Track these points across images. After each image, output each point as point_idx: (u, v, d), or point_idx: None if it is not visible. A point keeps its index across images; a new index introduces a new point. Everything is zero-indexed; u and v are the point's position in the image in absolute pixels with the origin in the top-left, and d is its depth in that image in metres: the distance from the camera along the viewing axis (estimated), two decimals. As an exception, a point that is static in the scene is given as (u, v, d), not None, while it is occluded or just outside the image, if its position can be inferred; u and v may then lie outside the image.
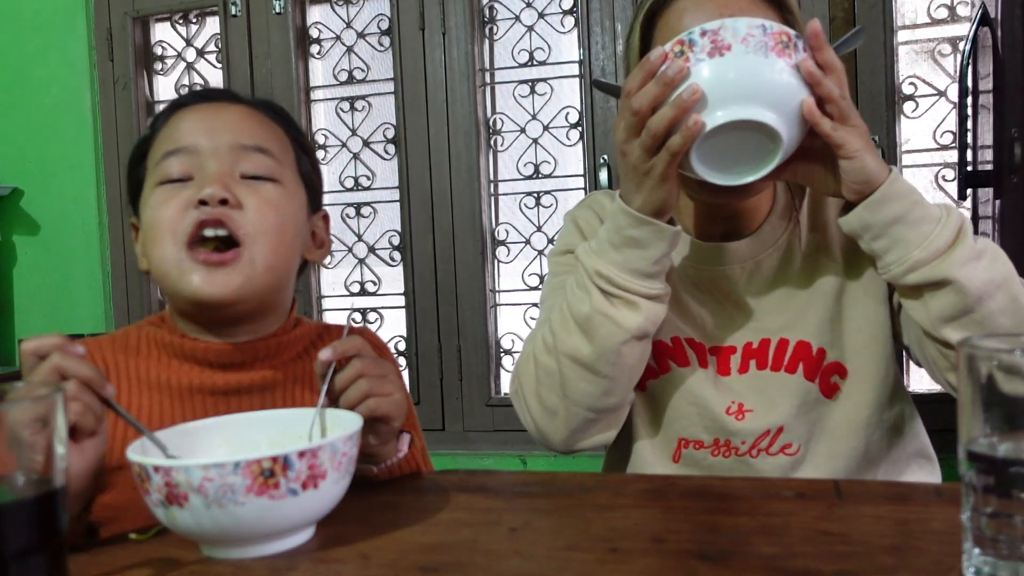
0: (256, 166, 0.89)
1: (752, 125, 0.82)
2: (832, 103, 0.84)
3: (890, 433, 1.02)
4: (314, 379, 0.90)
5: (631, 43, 0.99)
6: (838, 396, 1.00)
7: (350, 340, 0.79)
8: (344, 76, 2.57)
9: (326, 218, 1.02)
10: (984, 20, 1.84)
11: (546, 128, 2.43)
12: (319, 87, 2.60)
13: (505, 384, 2.49)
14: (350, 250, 2.58)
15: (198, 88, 1.05)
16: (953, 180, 2.07)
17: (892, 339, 1.01)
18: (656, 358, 1.02)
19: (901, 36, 2.15)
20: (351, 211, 2.58)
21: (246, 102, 0.94)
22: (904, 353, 1.04)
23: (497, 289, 2.48)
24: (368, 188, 2.56)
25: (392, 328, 2.55)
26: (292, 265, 0.94)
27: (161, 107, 2.68)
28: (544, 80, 2.42)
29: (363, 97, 2.56)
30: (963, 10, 2.13)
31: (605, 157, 2.31)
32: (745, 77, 0.81)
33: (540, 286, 2.47)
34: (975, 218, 2.04)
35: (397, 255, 2.55)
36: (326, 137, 2.59)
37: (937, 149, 2.16)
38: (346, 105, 2.57)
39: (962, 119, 1.87)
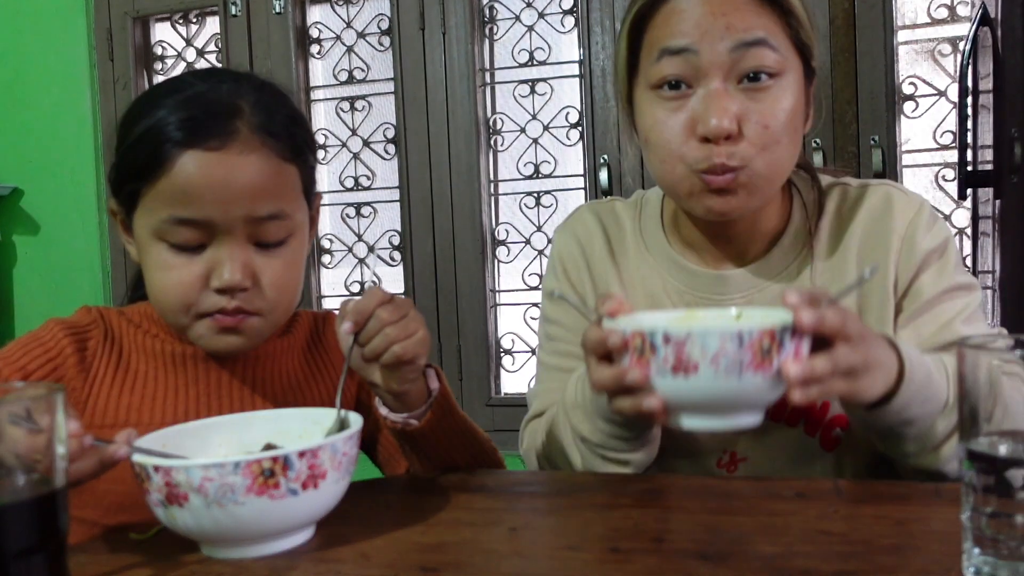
0: (272, 234, 0.84)
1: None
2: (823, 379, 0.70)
3: (891, 478, 0.95)
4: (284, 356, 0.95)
5: (618, 50, 0.93)
6: (838, 449, 0.94)
7: (369, 296, 0.79)
8: (344, 76, 2.57)
9: (318, 196, 0.96)
10: (984, 20, 1.84)
11: (546, 128, 2.43)
12: (319, 87, 2.60)
13: (505, 384, 2.50)
14: (350, 250, 2.58)
15: (199, 102, 0.84)
16: (953, 180, 2.07)
17: None
18: None
19: (901, 36, 2.15)
20: (351, 211, 2.58)
21: (258, 136, 0.83)
22: None
23: (497, 289, 2.48)
24: (368, 188, 2.56)
25: (392, 328, 2.55)
26: (300, 292, 0.93)
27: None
28: (544, 80, 2.42)
29: (363, 97, 2.56)
30: (963, 10, 2.13)
31: (605, 157, 2.31)
32: (715, 400, 0.69)
33: (540, 286, 2.47)
34: (975, 218, 2.04)
35: (397, 255, 2.55)
36: (326, 137, 2.59)
37: (937, 149, 2.16)
38: (346, 105, 2.57)
39: (962, 119, 1.87)
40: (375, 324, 0.78)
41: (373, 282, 2.55)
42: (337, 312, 0.82)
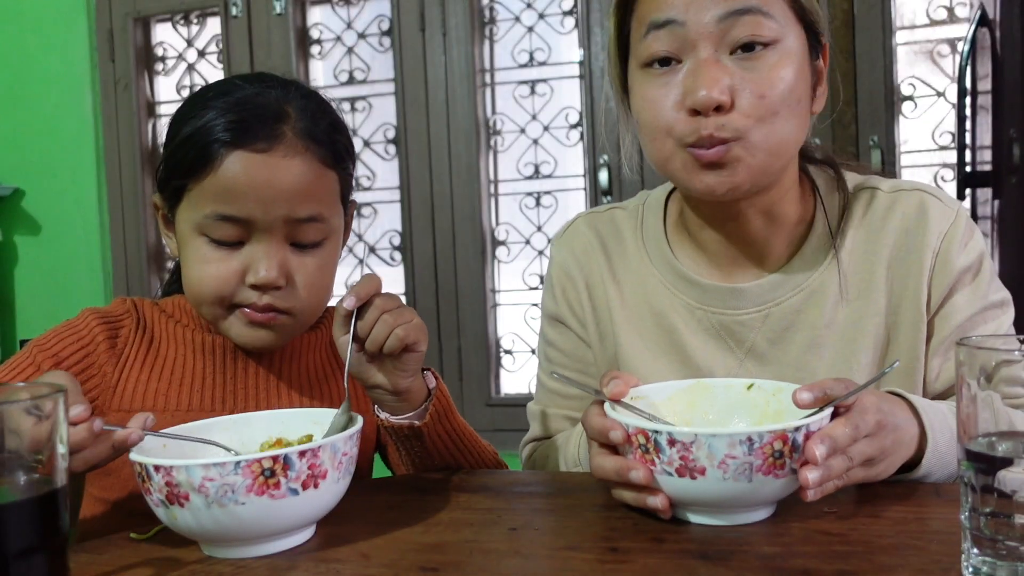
0: (309, 236, 0.86)
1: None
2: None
3: None
4: (328, 344, 0.96)
5: (608, 32, 0.89)
6: None
7: (368, 281, 0.81)
8: (345, 77, 2.57)
9: (353, 203, 0.97)
10: (983, 21, 1.84)
11: (546, 128, 2.43)
12: (320, 88, 2.60)
13: (505, 384, 2.50)
14: (350, 250, 2.58)
15: (248, 105, 0.86)
16: (952, 180, 2.07)
17: None
18: None
19: (900, 37, 2.16)
20: (351, 211, 2.58)
21: (302, 141, 0.85)
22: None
23: (497, 289, 2.48)
24: (368, 188, 2.57)
25: (392, 328, 2.55)
26: (331, 294, 0.94)
27: (162, 108, 2.72)
28: (544, 81, 2.42)
29: (364, 97, 2.57)
30: (962, 11, 2.13)
31: (605, 157, 2.31)
32: (724, 501, 0.67)
33: (540, 286, 2.47)
34: (974, 218, 2.04)
35: (397, 255, 2.55)
36: (326, 138, 2.59)
37: (936, 150, 2.16)
38: (347, 105, 2.57)
39: (961, 120, 1.87)
40: (374, 312, 0.80)
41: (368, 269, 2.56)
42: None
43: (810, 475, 0.64)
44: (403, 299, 2.49)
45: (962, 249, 0.87)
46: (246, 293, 0.85)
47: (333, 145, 0.88)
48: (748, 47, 0.79)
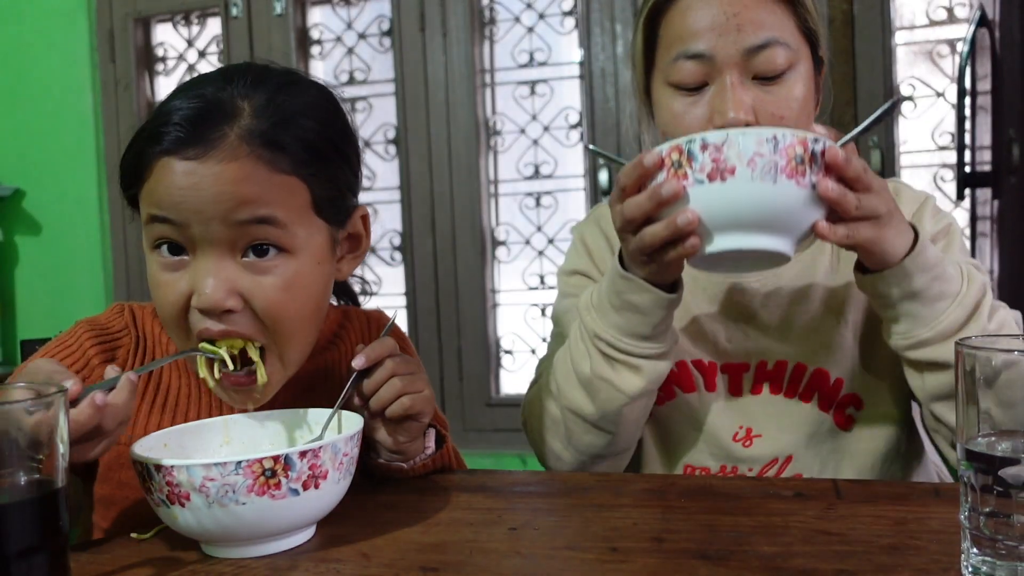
0: (258, 239, 0.74)
1: (755, 251, 0.74)
2: (846, 213, 0.75)
3: (905, 466, 0.99)
4: (335, 370, 0.90)
5: (635, 44, 0.96)
6: (853, 428, 0.96)
7: (381, 344, 0.79)
8: (345, 77, 2.57)
9: (365, 217, 0.85)
10: (982, 21, 1.85)
11: (546, 129, 2.43)
12: (319, 88, 2.60)
13: (505, 384, 2.50)
14: (350, 251, 2.58)
15: (195, 106, 0.75)
16: (951, 181, 2.08)
17: None
18: (661, 385, 0.98)
19: (899, 37, 2.16)
20: (351, 212, 2.58)
21: (247, 144, 0.73)
22: None
23: (497, 289, 2.48)
24: (369, 188, 2.57)
25: (392, 329, 2.55)
26: (319, 324, 0.82)
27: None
28: (544, 81, 2.42)
29: (364, 98, 2.57)
30: (961, 11, 2.13)
31: (605, 158, 2.31)
32: (749, 208, 0.71)
33: (540, 286, 2.47)
34: (973, 219, 2.04)
35: (397, 255, 2.55)
36: (326, 138, 2.59)
37: (935, 150, 2.17)
38: (347, 106, 2.57)
39: (960, 120, 1.87)
40: (383, 372, 0.78)
41: (368, 269, 2.55)
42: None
43: (828, 183, 0.72)
44: (402, 301, 2.50)
45: (932, 218, 0.96)
46: (199, 322, 0.74)
47: (305, 151, 0.75)
48: (767, 76, 0.87)
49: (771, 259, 0.77)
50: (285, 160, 0.74)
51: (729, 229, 0.73)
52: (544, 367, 1.02)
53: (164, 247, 0.75)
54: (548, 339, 1.07)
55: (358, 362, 0.77)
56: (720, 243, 0.73)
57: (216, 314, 0.73)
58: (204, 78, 0.79)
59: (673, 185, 0.73)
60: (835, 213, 0.76)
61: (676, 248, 0.76)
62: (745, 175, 0.70)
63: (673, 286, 0.86)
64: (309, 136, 0.76)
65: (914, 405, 0.97)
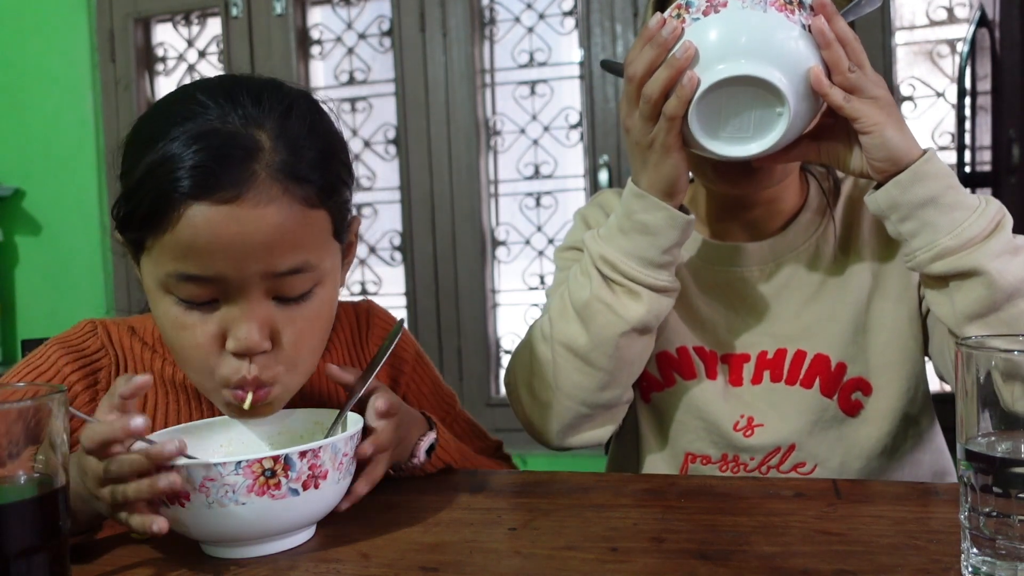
0: (295, 288, 0.71)
1: (752, 82, 0.76)
2: (840, 73, 0.77)
3: (912, 451, 0.98)
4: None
5: (646, 19, 0.92)
6: (861, 414, 0.95)
7: (384, 434, 0.76)
8: (345, 77, 2.57)
9: (355, 221, 0.82)
10: (982, 21, 1.85)
11: (546, 129, 2.43)
12: (320, 88, 2.60)
13: (505, 385, 2.49)
14: (350, 251, 2.58)
15: (213, 137, 0.67)
16: (953, 181, 2.07)
17: (923, 353, 0.96)
18: (660, 370, 0.98)
19: (899, 37, 2.16)
20: (351, 212, 2.58)
21: (279, 181, 0.68)
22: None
23: (497, 289, 2.48)
24: (369, 189, 2.57)
25: (392, 329, 2.55)
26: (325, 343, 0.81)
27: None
28: (544, 81, 2.42)
29: (364, 98, 2.57)
30: (961, 11, 2.13)
31: (605, 157, 2.31)
32: (741, 32, 0.76)
33: (540, 287, 2.47)
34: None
35: (397, 255, 2.55)
36: (326, 138, 2.59)
37: (935, 150, 2.17)
38: (347, 106, 2.57)
39: (960, 120, 1.87)
40: (369, 449, 0.74)
41: (368, 269, 2.54)
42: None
43: (820, 22, 0.76)
44: (402, 301, 2.50)
45: None
46: (231, 365, 0.70)
47: (322, 178, 0.71)
48: None
49: (773, 113, 0.78)
50: (313, 193, 0.70)
51: (724, 57, 0.76)
52: (531, 328, 0.99)
53: (184, 294, 0.70)
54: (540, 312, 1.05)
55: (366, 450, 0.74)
56: (717, 73, 0.76)
57: (252, 355, 0.70)
58: (199, 100, 0.69)
59: (672, 25, 0.78)
60: (829, 70, 0.78)
61: (677, 95, 0.78)
62: (737, 5, 0.76)
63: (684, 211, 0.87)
64: (322, 159, 0.72)
65: (923, 390, 0.97)
